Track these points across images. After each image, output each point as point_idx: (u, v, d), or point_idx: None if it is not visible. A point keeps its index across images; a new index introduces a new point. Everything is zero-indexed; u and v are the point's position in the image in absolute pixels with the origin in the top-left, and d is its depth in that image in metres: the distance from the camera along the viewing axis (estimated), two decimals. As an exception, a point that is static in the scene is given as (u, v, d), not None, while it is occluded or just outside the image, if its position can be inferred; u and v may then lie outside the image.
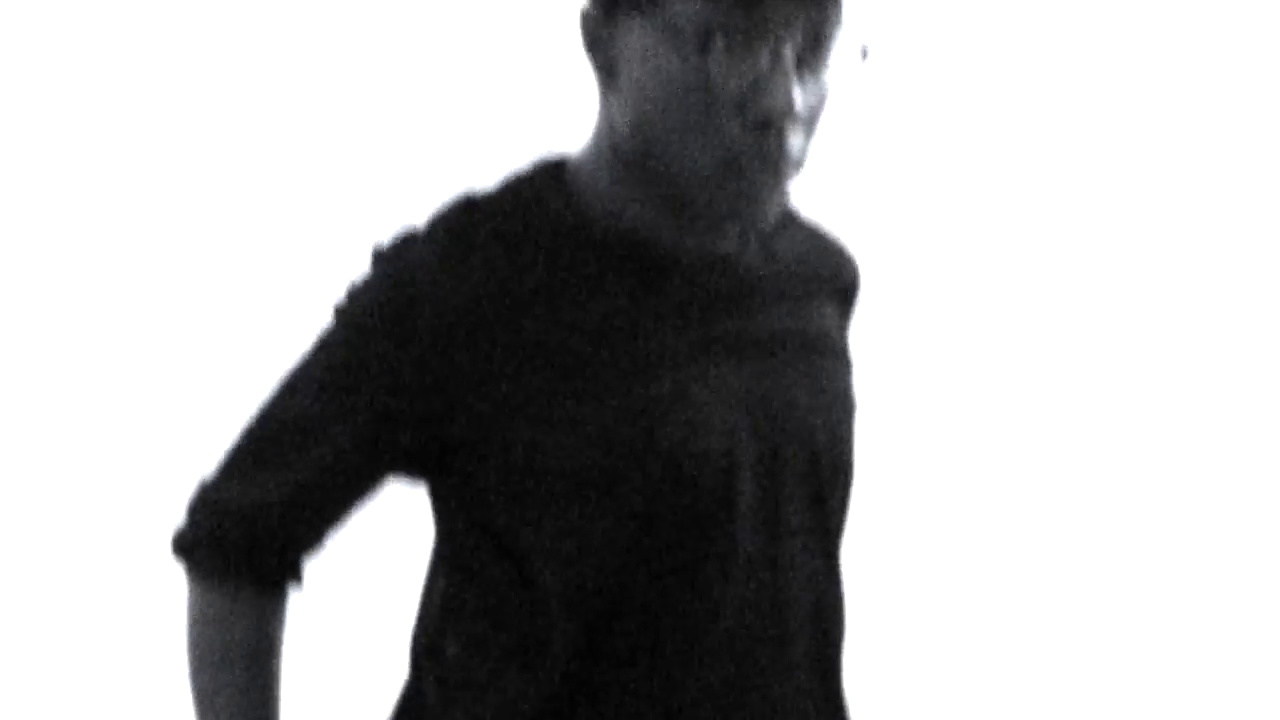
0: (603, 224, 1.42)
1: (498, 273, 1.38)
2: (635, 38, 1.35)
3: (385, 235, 1.45)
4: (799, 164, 1.36)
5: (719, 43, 1.32)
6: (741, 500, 1.41)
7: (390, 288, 1.38)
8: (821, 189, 3.21)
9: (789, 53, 1.32)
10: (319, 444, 1.41)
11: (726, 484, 1.40)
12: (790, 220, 1.57)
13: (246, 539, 1.45)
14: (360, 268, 2.97)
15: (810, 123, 1.36)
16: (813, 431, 1.46)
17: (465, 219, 1.41)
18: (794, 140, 1.34)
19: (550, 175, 1.45)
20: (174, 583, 2.94)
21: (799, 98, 1.33)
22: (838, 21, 1.36)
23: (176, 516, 2.97)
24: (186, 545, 1.46)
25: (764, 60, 1.32)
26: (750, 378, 1.43)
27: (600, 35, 1.39)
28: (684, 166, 1.36)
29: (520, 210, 1.42)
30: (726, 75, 1.33)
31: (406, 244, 1.41)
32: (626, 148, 1.39)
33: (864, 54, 1.39)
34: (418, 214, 3.04)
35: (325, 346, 1.42)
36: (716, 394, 1.40)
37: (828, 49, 1.35)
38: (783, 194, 1.37)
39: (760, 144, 1.33)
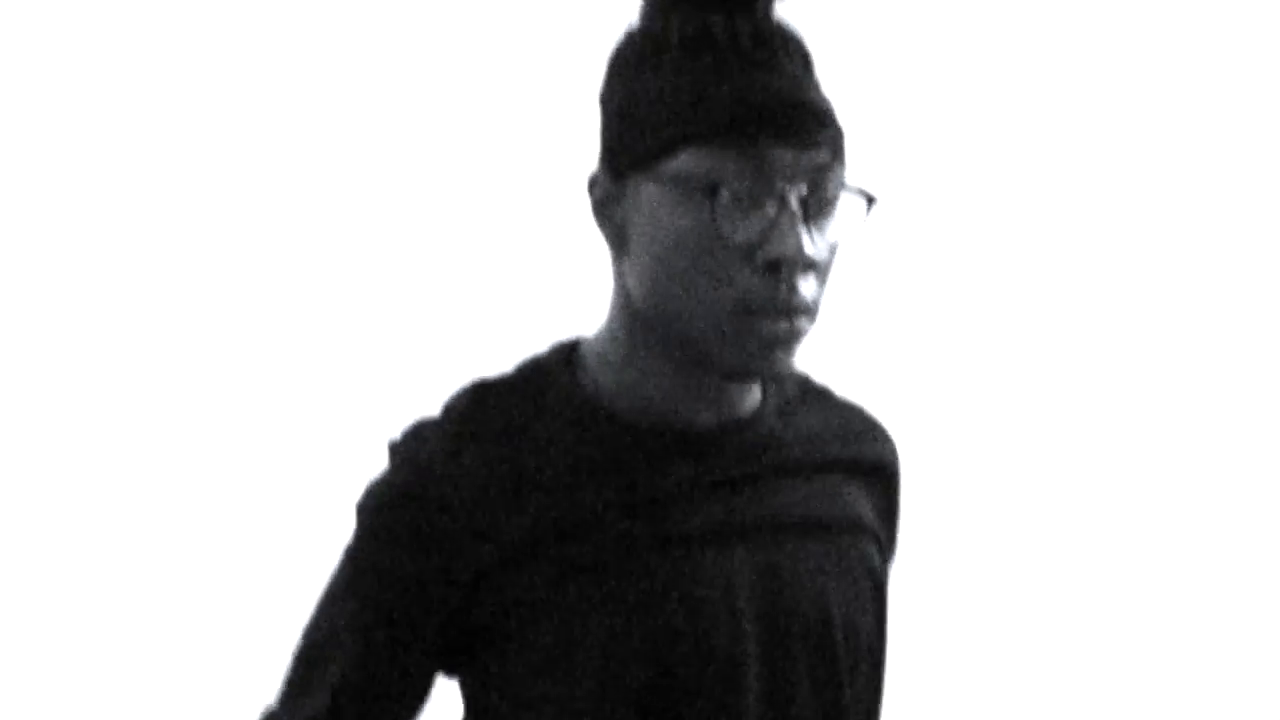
0: (612, 404, 1.44)
1: (506, 459, 1.41)
2: (643, 197, 1.38)
3: (399, 429, 1.48)
4: (812, 311, 1.37)
5: (725, 194, 1.34)
6: (748, 687, 1.41)
7: (402, 480, 1.41)
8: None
9: (794, 201, 1.34)
10: (354, 650, 1.43)
11: (731, 671, 1.40)
12: (816, 394, 1.57)
13: None
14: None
15: (821, 271, 1.38)
16: (827, 617, 1.45)
17: (475, 405, 1.44)
18: (805, 286, 1.36)
19: (563, 357, 1.48)
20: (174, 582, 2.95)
21: (807, 243, 1.34)
22: (840, 173, 1.39)
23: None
24: None
25: (770, 209, 1.34)
26: (760, 561, 1.43)
27: (608, 200, 1.41)
28: (697, 317, 1.36)
29: (530, 394, 1.45)
30: (734, 225, 1.34)
31: (418, 434, 1.44)
32: (641, 310, 1.40)
33: (869, 204, 1.41)
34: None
35: (349, 550, 1.45)
36: (723, 578, 1.40)
37: (831, 200, 1.38)
38: (798, 342, 1.38)
39: (772, 289, 1.34)
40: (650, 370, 1.43)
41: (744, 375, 1.38)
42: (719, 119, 1.34)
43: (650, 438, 1.43)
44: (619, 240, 1.41)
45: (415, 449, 1.42)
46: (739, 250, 1.34)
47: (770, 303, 1.34)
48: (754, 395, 1.48)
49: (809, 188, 1.35)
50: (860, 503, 1.53)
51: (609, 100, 1.42)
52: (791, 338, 1.36)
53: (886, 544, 1.58)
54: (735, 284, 1.34)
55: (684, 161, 1.35)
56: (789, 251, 1.33)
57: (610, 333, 1.45)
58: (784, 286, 1.34)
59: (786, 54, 1.40)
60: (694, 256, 1.35)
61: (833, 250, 1.39)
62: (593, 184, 1.43)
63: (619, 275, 1.43)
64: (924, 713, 3.24)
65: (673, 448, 1.43)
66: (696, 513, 1.41)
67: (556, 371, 1.46)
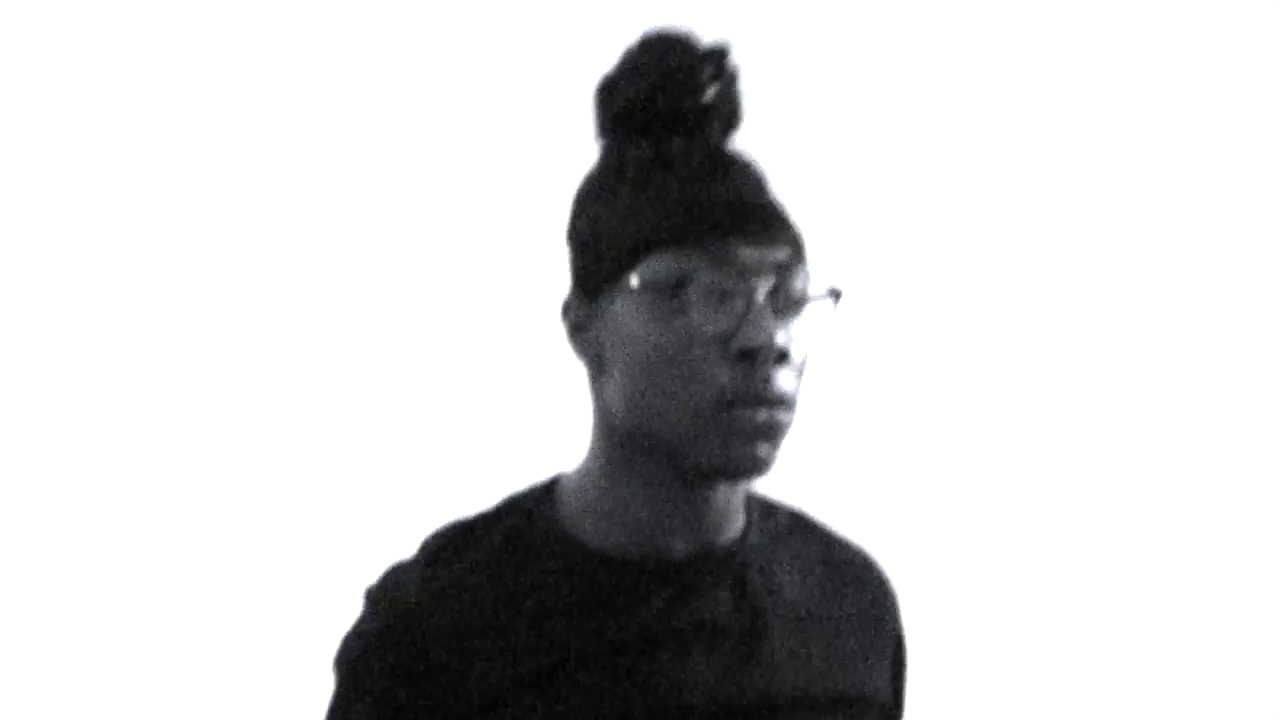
0: (588, 537, 1.43)
1: (485, 600, 1.40)
2: (616, 311, 1.40)
3: (375, 574, 1.47)
4: (789, 403, 1.38)
5: (694, 289, 1.36)
6: None
7: (382, 625, 1.41)
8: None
9: (762, 295, 1.37)
10: None
11: None
12: (809, 529, 1.56)
13: None
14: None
15: (795, 364, 1.39)
16: None
17: (453, 546, 1.44)
18: (780, 377, 1.37)
19: (541, 492, 1.48)
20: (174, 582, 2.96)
21: (778, 334, 1.36)
22: (804, 272, 1.41)
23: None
24: None
25: (739, 303, 1.37)
26: None
27: (583, 324, 1.44)
28: (676, 419, 1.36)
29: (508, 531, 1.45)
30: (705, 318, 1.36)
31: (394, 577, 1.44)
32: (621, 426, 1.40)
33: (835, 298, 1.43)
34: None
35: (332, 706, 1.45)
36: None
37: (798, 297, 1.40)
38: (779, 437, 1.38)
39: (747, 379, 1.35)
40: (627, 497, 1.42)
41: (728, 472, 1.37)
42: (682, 220, 1.37)
43: (625, 570, 1.42)
44: (597, 362, 1.43)
45: (393, 593, 1.42)
46: (712, 344, 1.36)
47: (746, 393, 1.35)
48: (735, 524, 1.47)
49: (775, 284, 1.38)
50: (860, 663, 1.51)
51: (575, 229, 1.45)
52: (772, 430, 1.36)
53: (892, 705, 1.56)
54: (711, 379, 1.35)
55: (652, 266, 1.37)
56: (761, 340, 1.35)
57: (589, 463, 1.45)
58: (759, 376, 1.35)
59: (742, 169, 1.44)
60: (669, 358, 1.36)
61: (803, 345, 1.41)
62: (566, 310, 1.45)
63: (598, 400, 1.44)
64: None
65: (648, 579, 1.42)
66: (681, 674, 1.40)
67: (534, 507, 1.46)
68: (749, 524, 1.49)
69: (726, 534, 1.46)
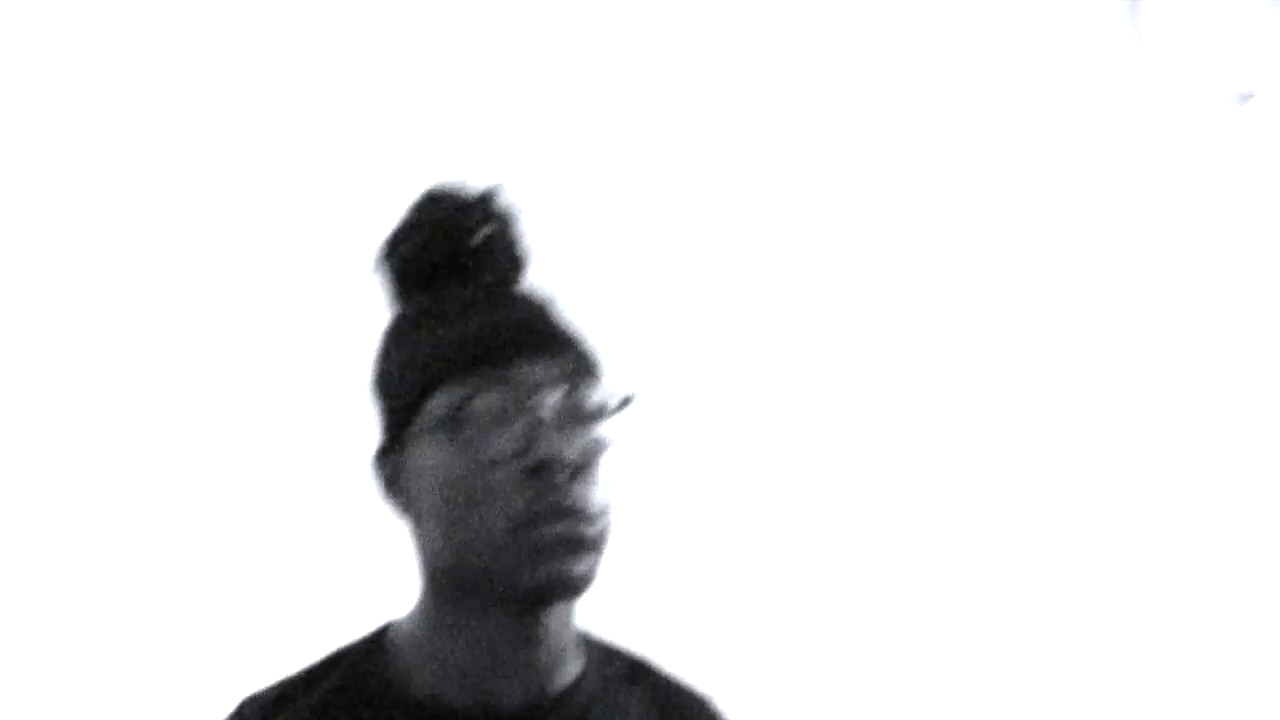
0: (416, 687, 1.42)
1: None
2: (415, 454, 1.41)
3: None
4: (592, 515, 1.37)
5: (475, 415, 1.37)
6: None
7: None
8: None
9: (549, 409, 1.38)
10: None
11: None
12: (646, 675, 1.54)
13: None
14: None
15: (592, 474, 1.38)
16: None
17: (270, 707, 1.43)
18: (577, 488, 1.36)
19: (369, 643, 1.47)
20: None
21: (565, 444, 1.36)
22: (592, 373, 1.43)
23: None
24: None
25: (524, 421, 1.37)
26: None
27: (391, 474, 1.44)
28: (482, 546, 1.35)
29: (333, 686, 1.43)
30: (493, 440, 1.37)
31: None
32: (439, 568, 1.40)
33: (627, 402, 1.43)
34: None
35: None
36: None
37: (589, 408, 1.40)
38: (589, 550, 1.37)
39: (542, 493, 1.35)
40: (454, 644, 1.40)
41: (544, 593, 1.36)
42: (460, 351, 1.40)
43: None
44: (411, 509, 1.43)
45: None
46: (505, 466, 1.35)
47: (543, 507, 1.34)
48: (569, 669, 1.45)
49: (563, 396, 1.39)
50: None
51: (374, 385, 1.48)
52: (577, 543, 1.35)
53: None
54: (508, 499, 1.35)
55: (440, 401, 1.39)
56: (548, 454, 1.34)
57: (417, 611, 1.44)
58: (553, 489, 1.35)
59: (518, 299, 1.46)
60: (466, 486, 1.36)
61: (599, 448, 1.40)
62: (379, 464, 1.46)
63: (418, 547, 1.43)
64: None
65: None
66: None
67: (362, 658, 1.45)
68: (585, 670, 1.47)
69: (559, 680, 1.44)
